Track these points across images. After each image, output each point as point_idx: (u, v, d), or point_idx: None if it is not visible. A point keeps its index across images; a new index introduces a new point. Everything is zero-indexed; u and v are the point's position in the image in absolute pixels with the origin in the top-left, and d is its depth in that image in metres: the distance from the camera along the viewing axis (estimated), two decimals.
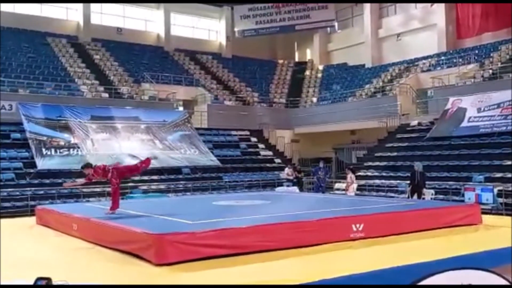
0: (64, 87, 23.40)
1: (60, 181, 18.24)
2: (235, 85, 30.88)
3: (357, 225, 7.49)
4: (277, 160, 24.60)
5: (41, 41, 27.81)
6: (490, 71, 22.52)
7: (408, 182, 15.19)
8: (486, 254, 6.41)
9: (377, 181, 19.23)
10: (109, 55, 29.02)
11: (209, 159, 22.14)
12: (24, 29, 27.91)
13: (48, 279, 3.67)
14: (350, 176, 17.32)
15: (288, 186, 19.42)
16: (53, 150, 19.24)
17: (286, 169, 20.98)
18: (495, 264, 5.33)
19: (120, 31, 31.19)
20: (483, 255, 6.35)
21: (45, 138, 19.55)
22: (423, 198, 14.13)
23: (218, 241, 6.32)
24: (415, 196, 14.22)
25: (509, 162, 16.47)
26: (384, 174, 19.78)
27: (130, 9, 32.05)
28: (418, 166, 14.76)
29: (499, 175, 16.09)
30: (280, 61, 35.61)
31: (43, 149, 19.02)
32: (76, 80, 25.03)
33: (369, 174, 20.28)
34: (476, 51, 25.40)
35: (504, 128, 18.26)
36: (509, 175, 15.81)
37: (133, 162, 20.02)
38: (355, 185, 17.54)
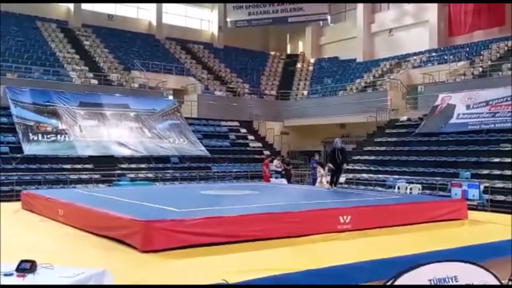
0: (53, 72, 23.09)
1: (46, 166, 18.14)
2: (226, 76, 30.74)
3: (345, 217, 7.53)
4: (266, 152, 24.56)
5: (30, 25, 27.41)
6: (480, 69, 22.65)
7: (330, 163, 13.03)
8: (471, 248, 6.47)
9: (365, 175, 19.32)
10: (99, 41, 28.69)
11: (198, 149, 22.08)
12: (14, 13, 27.46)
13: (33, 262, 3.61)
14: (319, 169, 17.51)
15: (276, 178, 19.47)
16: (40, 135, 19.03)
17: (275, 161, 21.00)
18: (479, 258, 5.36)
19: (111, 18, 30.83)
20: (468, 249, 6.40)
21: (32, 123, 19.33)
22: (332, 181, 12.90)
23: (205, 229, 6.29)
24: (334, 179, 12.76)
25: (496, 159, 16.63)
26: (372, 168, 19.87)
27: None
28: (336, 143, 12.93)
29: (485, 172, 16.21)
30: (272, 53, 35.48)
31: (30, 134, 18.81)
32: (65, 65, 24.73)
33: (357, 168, 20.35)
34: (467, 49, 25.51)
35: (492, 125, 18.41)
36: (495, 172, 15.95)
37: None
38: (325, 178, 17.60)
